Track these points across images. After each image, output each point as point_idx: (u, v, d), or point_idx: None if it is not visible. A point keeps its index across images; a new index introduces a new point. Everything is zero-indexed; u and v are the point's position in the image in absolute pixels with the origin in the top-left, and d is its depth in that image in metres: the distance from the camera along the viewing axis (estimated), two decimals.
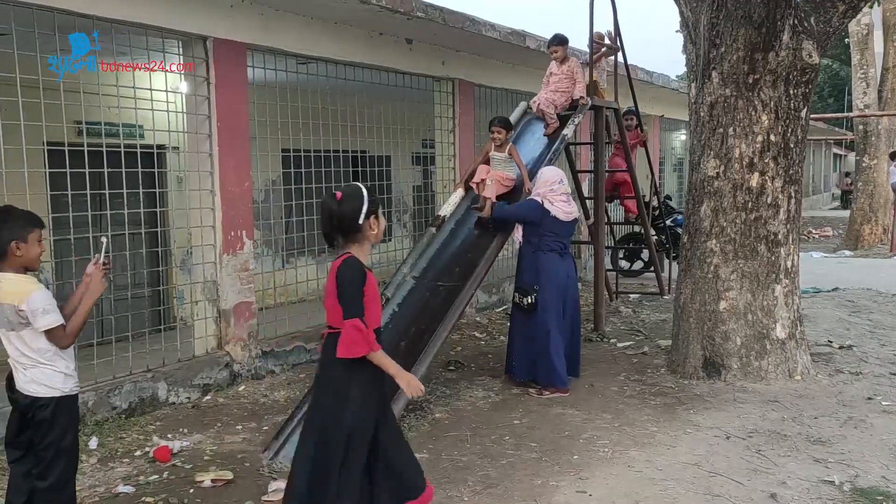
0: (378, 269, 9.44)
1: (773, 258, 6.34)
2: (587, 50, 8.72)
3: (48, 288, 3.62)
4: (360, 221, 3.31)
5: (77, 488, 3.74)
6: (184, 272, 8.16)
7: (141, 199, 6.49)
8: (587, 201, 9.20)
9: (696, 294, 6.48)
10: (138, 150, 6.22)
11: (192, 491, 4.42)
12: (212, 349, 6.56)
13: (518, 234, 6.32)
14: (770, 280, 6.33)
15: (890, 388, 6.08)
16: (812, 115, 7.52)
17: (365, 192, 3.36)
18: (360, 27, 7.74)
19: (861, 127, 16.85)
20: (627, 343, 7.76)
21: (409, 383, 3.32)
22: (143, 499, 4.33)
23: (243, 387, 6.54)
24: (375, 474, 3.35)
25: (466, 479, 4.45)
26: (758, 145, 6.28)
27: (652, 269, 10.51)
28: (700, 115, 6.56)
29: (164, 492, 4.42)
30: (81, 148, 5.66)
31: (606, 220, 9.58)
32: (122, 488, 4.46)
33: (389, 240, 10.20)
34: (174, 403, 6.07)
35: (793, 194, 6.42)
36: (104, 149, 5.84)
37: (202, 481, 4.52)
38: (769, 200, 6.32)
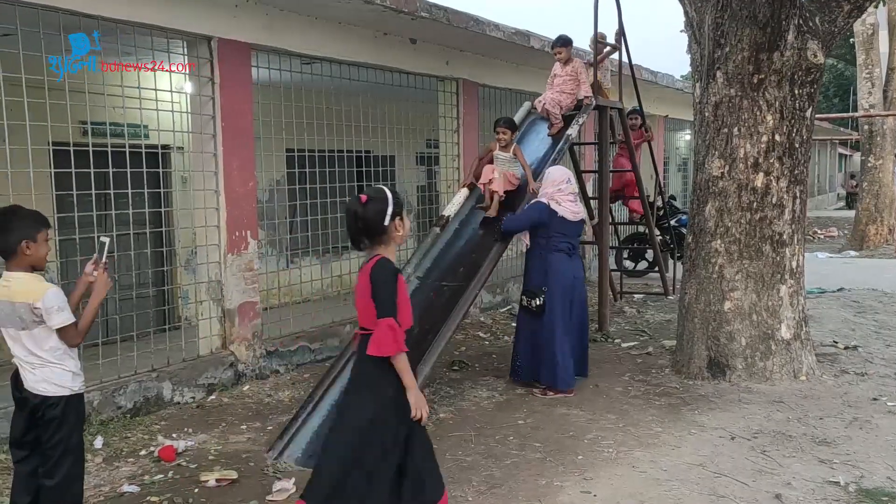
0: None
1: (778, 258, 6.32)
2: (589, 50, 8.73)
3: None
4: (386, 223, 3.34)
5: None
6: (188, 272, 8.18)
7: (146, 199, 6.50)
8: (591, 201, 9.18)
9: (701, 294, 6.47)
10: (143, 150, 6.22)
11: (196, 490, 4.43)
12: (216, 349, 6.57)
13: (526, 238, 6.30)
14: (775, 280, 6.31)
15: (895, 388, 6.06)
16: (817, 115, 7.50)
17: (389, 193, 3.40)
18: (365, 27, 7.75)
19: (866, 127, 16.81)
20: (632, 343, 7.75)
21: (418, 401, 3.33)
22: (147, 498, 4.34)
23: (248, 386, 6.54)
24: (403, 476, 3.36)
25: (471, 479, 4.45)
26: (763, 145, 6.27)
27: (656, 269, 10.50)
28: (705, 115, 6.55)
29: (169, 491, 4.42)
30: (86, 148, 5.67)
31: (611, 221, 9.57)
32: (127, 487, 4.47)
33: None
34: (179, 403, 6.08)
35: (798, 194, 6.40)
36: (109, 149, 5.85)
37: (207, 481, 4.52)
38: (774, 200, 6.31)
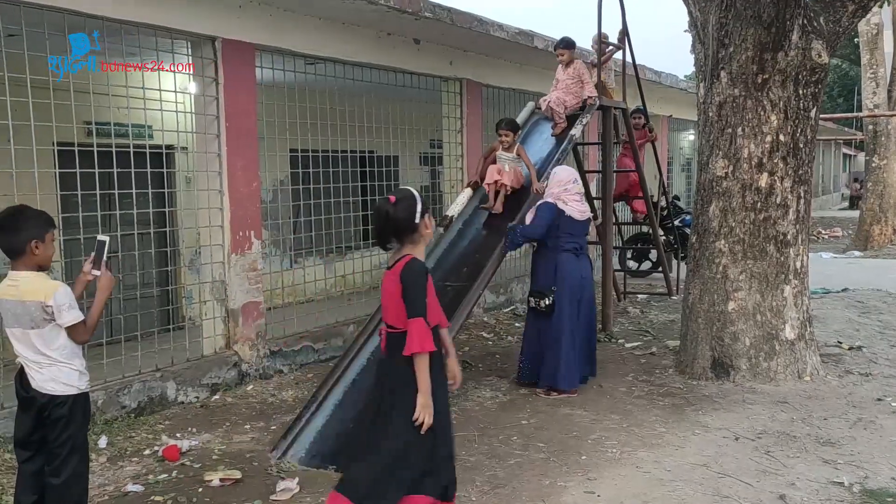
0: (386, 269, 9.48)
1: (782, 259, 6.31)
2: (591, 50, 8.72)
3: None
4: (417, 221, 3.43)
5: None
6: (192, 272, 8.19)
7: (150, 199, 6.51)
8: (595, 201, 9.18)
9: (705, 294, 6.47)
10: (147, 151, 6.24)
11: (200, 490, 4.44)
12: (220, 349, 6.58)
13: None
14: (779, 280, 6.30)
15: None
16: (821, 115, 7.49)
17: (416, 192, 3.52)
18: (368, 27, 7.75)
19: (871, 127, 16.78)
20: (635, 343, 7.74)
21: (426, 406, 3.37)
22: (152, 497, 4.35)
23: (251, 386, 6.55)
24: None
25: (474, 479, 4.45)
26: (767, 145, 6.26)
27: (660, 269, 10.49)
28: (709, 115, 6.54)
29: (173, 491, 4.43)
30: (91, 148, 5.69)
31: (614, 221, 9.57)
32: (131, 487, 4.48)
33: None
34: (183, 403, 6.09)
35: (802, 194, 6.39)
36: (113, 149, 5.86)
37: (211, 480, 4.53)
38: (778, 201, 6.30)
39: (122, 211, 6.02)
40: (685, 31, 7.60)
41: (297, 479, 4.48)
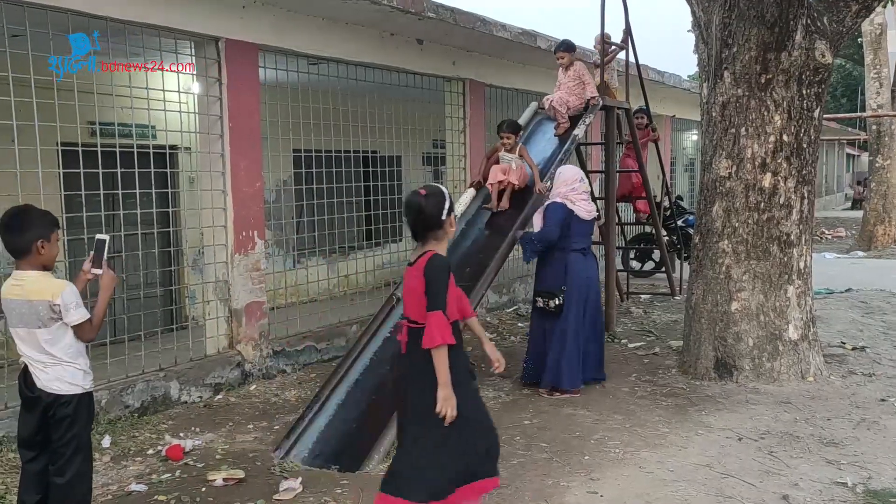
0: (389, 268, 9.50)
1: (785, 259, 6.31)
2: (594, 50, 8.72)
3: None
4: (444, 217, 3.48)
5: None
6: (195, 272, 8.21)
7: (153, 199, 6.52)
8: (597, 201, 9.17)
9: (708, 295, 6.46)
10: (151, 151, 6.25)
11: (203, 489, 4.44)
12: (223, 349, 6.59)
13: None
14: (782, 281, 6.30)
15: None
16: (825, 115, 7.48)
17: (445, 189, 3.58)
18: (371, 28, 7.76)
19: (874, 127, 16.74)
20: (638, 344, 7.74)
21: (448, 399, 3.39)
22: (155, 497, 4.36)
23: (254, 386, 6.56)
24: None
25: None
26: (770, 145, 6.26)
27: (663, 269, 10.48)
28: (712, 115, 6.54)
29: (177, 490, 4.44)
30: (95, 148, 5.70)
31: (617, 221, 9.56)
32: (134, 486, 4.49)
33: (400, 240, 10.21)
34: (186, 402, 6.10)
35: (805, 195, 6.39)
36: (117, 149, 5.88)
37: (214, 480, 4.54)
38: (782, 201, 6.29)
39: (125, 211, 6.04)
40: (688, 30, 7.61)
41: (300, 479, 4.49)
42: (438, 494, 3.43)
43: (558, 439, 5.09)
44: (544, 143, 7.67)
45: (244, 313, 6.66)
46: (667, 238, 10.94)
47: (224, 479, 4.54)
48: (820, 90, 6.35)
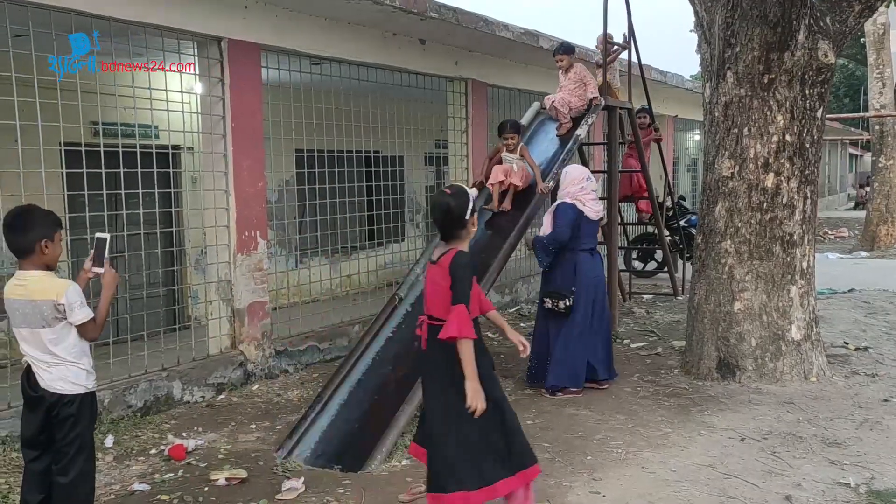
0: (391, 268, 9.50)
1: (788, 259, 6.30)
2: (596, 50, 8.71)
3: None
4: (467, 217, 3.54)
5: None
6: (198, 272, 8.22)
7: (156, 199, 6.53)
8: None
9: (711, 295, 6.46)
10: (153, 151, 6.26)
11: (206, 489, 4.45)
12: (226, 348, 6.60)
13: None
14: (785, 281, 6.29)
15: None
16: (828, 115, 7.47)
17: (469, 189, 3.65)
18: (374, 28, 7.76)
19: (877, 127, 16.72)
20: (641, 344, 7.73)
21: (476, 392, 3.42)
22: (158, 497, 4.36)
23: (257, 386, 6.57)
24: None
25: None
26: (773, 145, 6.25)
27: (665, 269, 10.47)
28: (715, 115, 6.53)
29: (179, 490, 4.44)
30: (98, 148, 5.70)
31: (620, 221, 9.56)
32: (137, 486, 4.49)
33: (402, 240, 10.22)
34: (189, 402, 6.11)
35: (808, 195, 6.38)
36: (120, 149, 5.88)
37: (217, 480, 4.54)
38: (784, 201, 6.28)
39: (128, 211, 6.05)
40: (691, 30, 7.61)
41: (302, 479, 4.49)
42: (479, 482, 3.48)
43: (560, 439, 5.09)
44: (546, 144, 7.66)
45: (247, 313, 6.66)
46: (669, 238, 10.94)
47: (227, 479, 4.54)
48: (823, 90, 6.34)
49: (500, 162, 6.87)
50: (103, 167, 5.67)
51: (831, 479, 4.38)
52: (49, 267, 3.47)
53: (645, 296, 10.42)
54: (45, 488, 3.52)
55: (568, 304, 6.01)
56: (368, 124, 8.54)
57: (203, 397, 6.22)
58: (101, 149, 5.66)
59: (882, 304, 9.21)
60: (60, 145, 5.71)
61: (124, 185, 5.89)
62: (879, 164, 16.68)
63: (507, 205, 6.65)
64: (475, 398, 3.40)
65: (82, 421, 3.48)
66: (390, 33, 8.02)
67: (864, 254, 15.69)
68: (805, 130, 6.28)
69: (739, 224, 6.34)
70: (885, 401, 5.78)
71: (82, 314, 3.41)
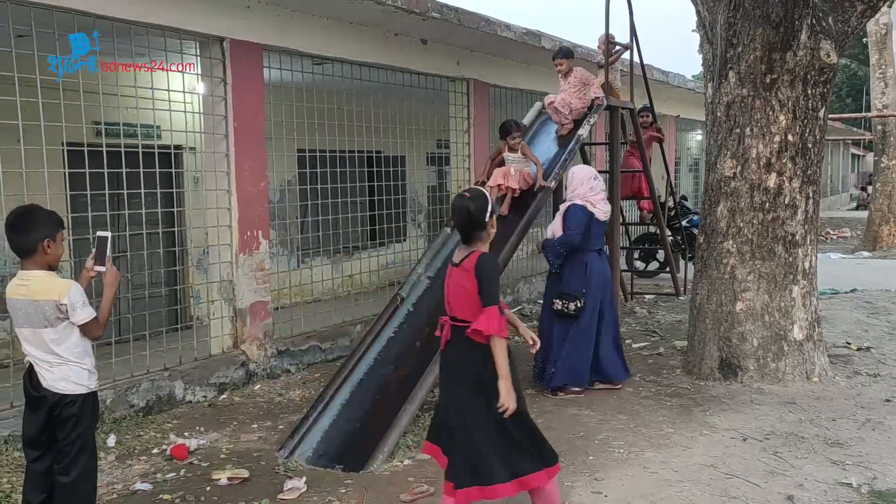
0: (393, 268, 9.50)
1: (790, 259, 6.29)
2: (598, 50, 8.70)
3: None
4: (487, 219, 3.60)
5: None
6: (200, 272, 8.22)
7: (158, 199, 6.53)
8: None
9: (713, 295, 6.45)
10: (156, 151, 6.26)
11: (208, 489, 4.45)
12: (228, 348, 6.60)
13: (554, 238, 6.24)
14: (787, 281, 6.29)
15: None
16: (830, 116, 7.46)
17: (487, 192, 3.73)
18: (376, 28, 7.76)
19: (879, 127, 16.70)
20: (643, 344, 7.73)
21: (510, 391, 3.46)
22: (160, 496, 4.36)
23: (259, 386, 6.57)
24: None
25: None
26: (775, 145, 6.25)
27: (667, 269, 10.47)
28: (717, 115, 6.53)
29: (181, 489, 4.45)
30: (100, 148, 5.71)
31: (622, 221, 9.55)
32: (139, 485, 4.50)
33: (404, 240, 10.22)
34: (191, 402, 6.11)
35: (811, 195, 6.37)
36: (122, 149, 5.89)
37: (218, 479, 4.54)
38: (787, 201, 6.28)
39: (130, 211, 6.05)
40: (693, 30, 7.60)
41: (304, 479, 4.50)
42: (509, 475, 3.52)
43: (562, 439, 5.09)
44: (548, 144, 7.66)
45: (248, 313, 6.67)
46: (671, 238, 10.93)
47: (228, 479, 4.55)
48: (825, 90, 6.34)
49: (501, 163, 6.87)
50: (106, 167, 5.67)
51: (833, 479, 4.38)
52: (51, 267, 3.48)
53: (647, 296, 10.41)
54: (47, 488, 3.53)
55: (579, 305, 5.99)
56: (370, 124, 8.54)
57: (205, 397, 6.23)
58: (104, 149, 5.67)
59: (884, 305, 9.20)
60: (63, 145, 5.72)
61: (126, 185, 5.89)
62: (882, 165, 16.65)
63: (504, 209, 6.64)
64: (508, 398, 3.44)
65: (84, 421, 3.49)
66: (392, 33, 8.02)
67: (866, 254, 15.67)
68: (807, 130, 6.28)
69: (741, 224, 6.34)
70: (888, 401, 5.78)
71: (84, 314, 3.41)
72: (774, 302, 6.27)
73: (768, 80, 6.20)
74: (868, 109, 20.20)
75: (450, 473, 3.58)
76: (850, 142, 37.19)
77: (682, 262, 11.10)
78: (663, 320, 8.93)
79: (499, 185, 6.68)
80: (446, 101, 9.47)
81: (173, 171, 7.54)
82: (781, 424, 5.30)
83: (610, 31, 8.55)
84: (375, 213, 9.46)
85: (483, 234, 3.63)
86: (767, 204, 6.28)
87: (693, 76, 17.92)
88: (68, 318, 3.40)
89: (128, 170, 5.94)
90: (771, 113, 6.23)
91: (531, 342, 3.87)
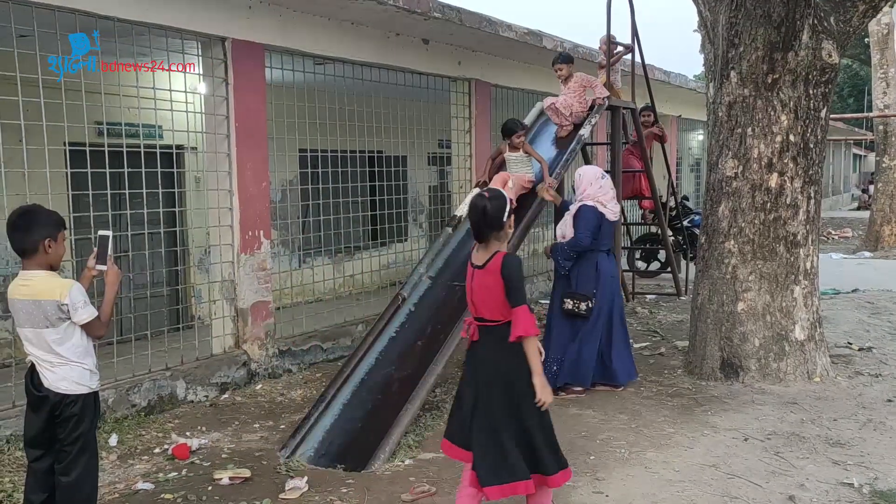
0: (394, 268, 9.51)
1: (792, 259, 6.29)
2: (600, 51, 8.70)
3: None
4: (505, 219, 3.65)
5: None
6: (202, 271, 8.23)
7: (160, 199, 6.54)
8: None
9: (714, 295, 6.45)
10: (157, 151, 6.27)
11: (210, 488, 4.46)
12: (229, 348, 6.61)
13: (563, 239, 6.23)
14: (789, 281, 6.28)
15: None
16: (831, 116, 7.45)
17: (505, 193, 3.79)
18: (377, 28, 7.77)
19: (881, 127, 16.68)
20: (644, 344, 7.73)
21: (545, 385, 3.56)
22: (162, 496, 4.37)
23: (260, 385, 6.58)
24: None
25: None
26: (777, 145, 6.24)
27: (669, 269, 10.47)
28: (718, 116, 6.53)
29: (183, 489, 4.45)
30: (102, 148, 5.72)
31: (623, 221, 9.55)
32: (141, 485, 4.50)
33: (405, 240, 10.22)
34: (192, 401, 6.12)
35: (812, 195, 6.37)
36: (124, 149, 5.90)
37: (220, 479, 4.55)
38: (788, 201, 6.28)
39: (132, 210, 6.06)
40: (694, 30, 7.59)
41: (305, 478, 4.50)
42: (524, 474, 3.58)
43: (564, 439, 5.03)
44: (549, 144, 7.65)
45: (250, 313, 6.67)
46: (672, 238, 10.93)
47: (230, 478, 4.55)
48: (827, 90, 6.33)
49: (502, 163, 6.86)
50: (107, 167, 5.68)
51: (835, 479, 4.38)
52: (52, 267, 3.48)
53: (648, 296, 10.41)
54: (49, 487, 3.53)
55: (590, 305, 5.99)
56: (372, 124, 8.55)
57: (207, 397, 6.23)
58: (106, 149, 5.67)
59: (886, 305, 9.20)
60: (65, 145, 5.73)
61: (128, 185, 5.90)
62: (883, 165, 16.63)
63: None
64: (544, 392, 3.53)
65: (85, 420, 3.49)
66: (394, 33, 8.03)
67: (867, 254, 15.66)
68: (809, 130, 6.28)
69: (743, 224, 6.33)
70: (889, 401, 5.77)
71: (86, 313, 3.42)
72: (776, 302, 6.26)
73: (770, 80, 6.20)
74: (870, 109, 20.18)
75: (476, 465, 3.65)
76: (851, 142, 37.16)
77: (683, 263, 11.10)
78: (664, 320, 8.93)
79: None
80: (448, 101, 9.47)
81: (175, 170, 7.55)
82: (783, 424, 5.30)
83: (611, 32, 8.55)
84: (377, 213, 9.47)
85: (501, 234, 3.68)
86: (769, 204, 6.28)
87: (695, 76, 17.93)
88: (70, 318, 3.40)
89: (130, 170, 5.94)
90: (772, 113, 6.23)
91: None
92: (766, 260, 6.28)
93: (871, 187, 19.70)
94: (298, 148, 8.06)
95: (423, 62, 8.57)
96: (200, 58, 6.45)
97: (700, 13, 6.74)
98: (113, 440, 5.17)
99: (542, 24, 10.18)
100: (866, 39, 18.47)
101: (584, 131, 7.39)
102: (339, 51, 7.46)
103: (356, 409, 5.34)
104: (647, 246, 11.97)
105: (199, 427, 5.57)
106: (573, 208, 6.20)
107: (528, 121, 7.84)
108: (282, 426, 5.58)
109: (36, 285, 3.40)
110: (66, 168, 5.94)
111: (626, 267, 10.25)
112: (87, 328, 3.46)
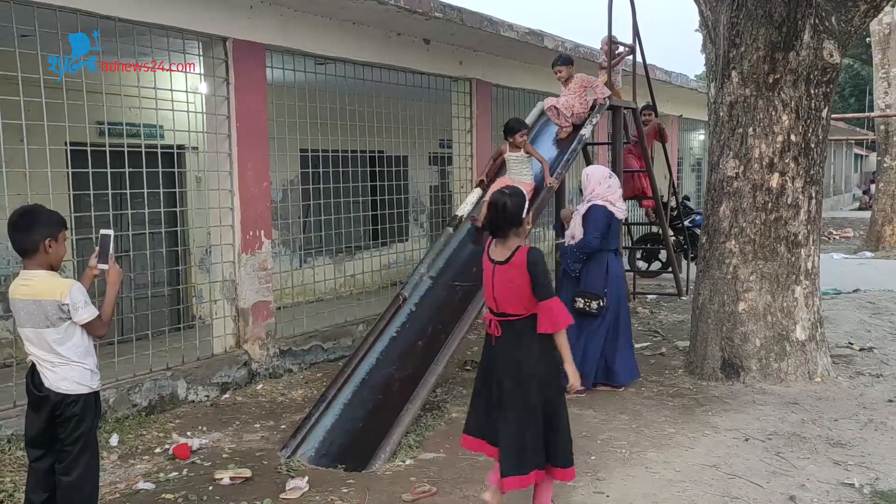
0: (395, 268, 9.51)
1: (793, 259, 6.29)
2: (602, 51, 8.69)
3: None
4: (523, 216, 3.75)
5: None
6: (203, 271, 8.24)
7: (161, 199, 6.54)
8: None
9: (715, 295, 6.45)
10: (158, 151, 6.27)
11: (210, 488, 4.46)
12: (230, 348, 6.61)
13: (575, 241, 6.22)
14: (790, 281, 6.28)
15: None
16: (833, 115, 7.45)
17: (524, 190, 3.87)
18: (378, 28, 7.77)
19: (882, 127, 16.66)
20: (645, 344, 7.73)
21: (575, 372, 3.72)
22: (162, 495, 4.37)
23: (261, 385, 6.58)
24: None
25: (483, 479, 4.45)
26: (778, 145, 6.24)
27: (670, 269, 10.46)
28: (719, 115, 6.53)
29: (184, 489, 4.45)
30: (103, 148, 5.72)
31: (624, 221, 9.53)
32: (142, 485, 4.51)
33: (406, 239, 10.23)
34: (193, 401, 6.12)
35: (813, 195, 6.37)
36: (125, 149, 5.90)
37: (221, 479, 4.55)
38: (789, 201, 6.27)
39: (133, 210, 6.06)
40: (696, 30, 7.59)
41: (306, 478, 4.50)
42: (540, 464, 3.68)
43: None
44: (550, 144, 7.64)
45: (251, 312, 6.68)
46: (673, 238, 10.92)
47: (231, 478, 4.55)
48: (828, 90, 6.33)
49: (503, 163, 6.85)
50: (108, 167, 5.69)
51: (835, 479, 4.38)
52: (53, 267, 3.48)
53: (649, 296, 10.41)
54: (49, 487, 3.54)
55: (601, 303, 6.00)
56: (373, 124, 8.55)
57: (207, 396, 6.24)
58: (107, 148, 5.67)
59: (887, 305, 9.19)
60: (66, 145, 5.73)
61: (129, 185, 5.90)
62: (885, 164, 16.61)
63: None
64: (575, 377, 3.68)
65: (86, 420, 3.49)
66: (395, 33, 8.03)
67: (868, 254, 15.65)
68: (810, 130, 6.27)
69: (744, 224, 6.33)
70: (890, 401, 5.77)
71: (87, 313, 3.42)
72: (777, 302, 6.26)
73: (771, 80, 6.20)
74: (871, 109, 20.16)
75: (501, 458, 3.72)
76: (853, 142, 37.12)
77: (684, 263, 11.10)
78: (665, 320, 8.93)
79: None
80: (449, 100, 9.47)
81: (176, 170, 7.56)
82: (784, 425, 5.29)
83: (612, 33, 8.54)
84: (378, 212, 9.46)
85: (519, 231, 3.76)
86: (770, 204, 6.27)
87: (696, 76, 17.93)
88: (70, 318, 3.40)
89: (131, 169, 5.94)
90: (774, 113, 6.23)
91: None
92: (767, 260, 6.28)
93: (873, 187, 19.67)
94: (299, 148, 8.06)
95: (424, 62, 8.57)
96: (201, 58, 6.46)
97: (701, 13, 6.74)
98: (114, 440, 5.18)
99: (544, 25, 10.17)
100: (868, 39, 18.45)
101: (586, 131, 7.39)
102: (340, 51, 7.46)
103: (357, 408, 5.34)
104: (648, 246, 11.96)
105: (199, 427, 5.58)
106: (582, 208, 6.20)
107: (528, 121, 7.82)
108: (282, 426, 5.58)
109: (36, 285, 3.40)
110: (68, 168, 5.95)
111: (627, 267, 10.24)
112: (87, 328, 3.46)
